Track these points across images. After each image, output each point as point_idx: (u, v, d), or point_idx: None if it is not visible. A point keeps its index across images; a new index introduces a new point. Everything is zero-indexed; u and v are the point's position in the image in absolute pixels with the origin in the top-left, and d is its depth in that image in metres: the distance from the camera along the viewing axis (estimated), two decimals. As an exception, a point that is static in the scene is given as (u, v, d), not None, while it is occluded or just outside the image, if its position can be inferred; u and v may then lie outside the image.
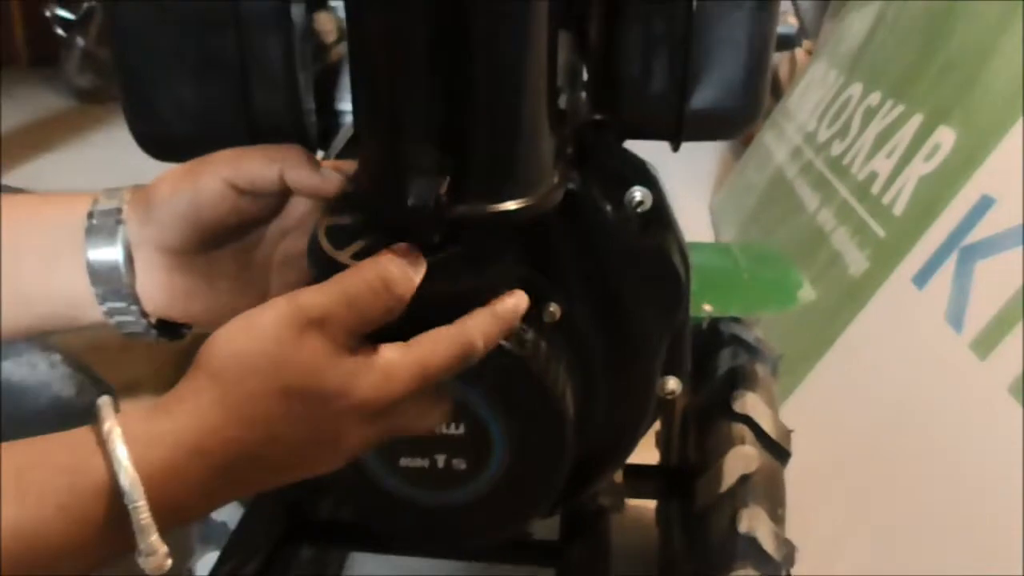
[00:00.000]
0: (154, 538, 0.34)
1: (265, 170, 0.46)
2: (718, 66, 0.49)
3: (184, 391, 0.37)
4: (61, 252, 0.46)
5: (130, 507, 0.34)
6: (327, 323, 0.38)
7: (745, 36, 0.49)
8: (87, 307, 0.47)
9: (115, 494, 0.34)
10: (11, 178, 2.52)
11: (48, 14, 3.41)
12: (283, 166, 0.46)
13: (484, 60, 0.40)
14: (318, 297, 0.38)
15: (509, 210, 0.42)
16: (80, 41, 3.34)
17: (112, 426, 0.35)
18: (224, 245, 0.49)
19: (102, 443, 0.34)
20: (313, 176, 0.46)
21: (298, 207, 0.50)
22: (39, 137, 2.99)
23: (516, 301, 0.45)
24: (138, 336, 0.49)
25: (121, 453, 0.34)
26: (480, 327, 0.42)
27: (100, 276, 0.46)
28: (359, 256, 0.42)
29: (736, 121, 0.52)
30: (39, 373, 0.69)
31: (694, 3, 0.47)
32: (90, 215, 0.47)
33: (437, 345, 0.41)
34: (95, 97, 3.33)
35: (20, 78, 3.64)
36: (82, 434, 0.35)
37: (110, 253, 0.46)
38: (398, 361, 0.40)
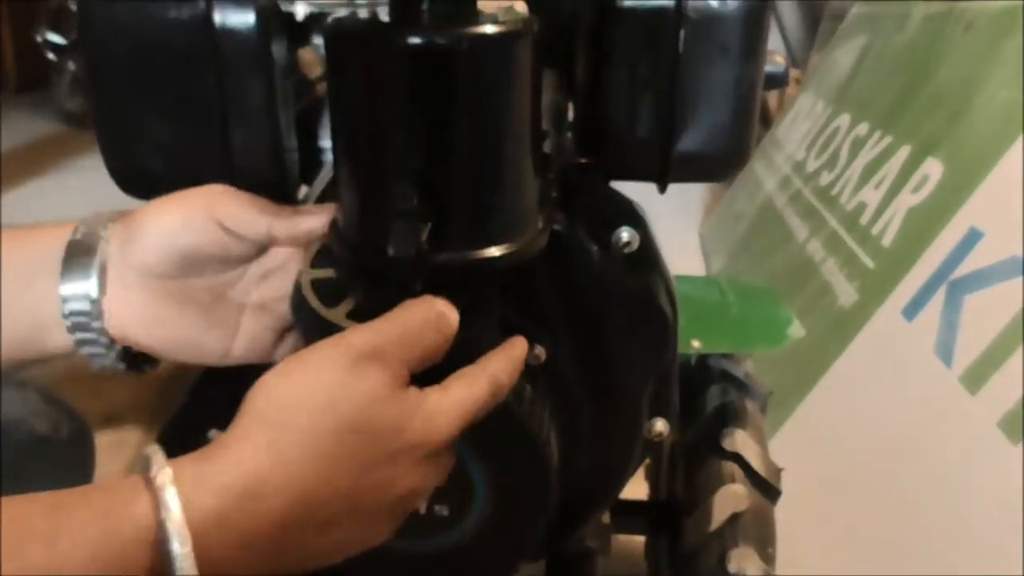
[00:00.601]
0: None
1: (254, 220, 0.46)
2: (705, 109, 0.49)
3: (231, 438, 0.36)
4: (38, 274, 0.46)
5: (175, 554, 0.31)
6: (380, 357, 0.37)
7: (732, 79, 0.48)
8: (55, 332, 0.46)
9: (158, 542, 0.32)
10: (2, 202, 2.50)
11: (39, 39, 3.41)
12: (273, 221, 0.46)
13: (466, 105, 0.39)
14: (368, 333, 0.38)
15: (493, 256, 0.42)
16: (71, 65, 3.33)
17: (162, 470, 0.33)
18: (201, 276, 0.48)
19: (151, 487, 0.33)
20: (300, 230, 0.46)
21: (279, 253, 0.50)
22: (30, 161, 2.98)
23: (520, 344, 0.45)
24: (104, 367, 0.48)
25: (170, 496, 0.32)
26: (503, 366, 0.42)
27: (72, 300, 0.45)
28: (354, 316, 0.41)
29: (723, 164, 0.52)
30: (13, 409, 0.68)
31: (680, 46, 0.47)
32: (72, 235, 0.47)
33: (472, 386, 0.41)
34: (86, 122, 3.31)
35: (10, 103, 3.64)
36: (125, 480, 0.33)
37: (84, 277, 0.45)
38: (443, 404, 0.39)
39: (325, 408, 0.36)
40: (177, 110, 0.53)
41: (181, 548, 0.31)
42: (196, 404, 0.59)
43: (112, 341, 0.46)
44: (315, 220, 0.46)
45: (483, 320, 0.45)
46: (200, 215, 0.46)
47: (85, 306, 0.45)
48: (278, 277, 0.50)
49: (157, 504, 0.32)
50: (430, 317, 0.39)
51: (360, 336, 0.38)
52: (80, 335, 0.46)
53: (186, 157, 0.54)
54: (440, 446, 0.40)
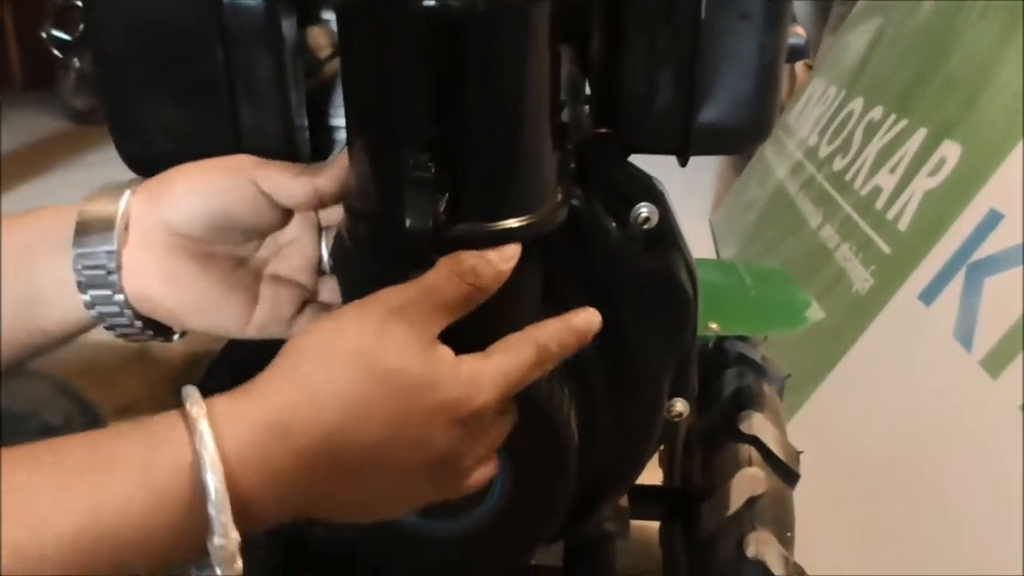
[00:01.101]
0: (228, 520, 0.33)
1: (296, 182, 0.45)
2: (726, 78, 0.48)
3: (264, 378, 0.37)
4: (36, 251, 0.45)
5: (208, 484, 0.32)
6: (407, 310, 0.38)
7: (754, 48, 0.47)
8: (55, 304, 0.45)
9: (193, 472, 0.33)
10: (8, 200, 2.51)
11: (44, 35, 3.40)
12: (315, 179, 0.45)
13: (483, 74, 0.38)
14: (396, 292, 0.39)
15: (510, 228, 0.41)
16: (76, 62, 3.33)
17: (196, 403, 0.34)
18: (227, 241, 0.47)
19: (186, 420, 0.34)
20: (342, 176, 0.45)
21: (292, 227, 0.49)
22: (36, 159, 2.98)
23: (589, 316, 0.45)
24: (121, 330, 0.47)
25: (204, 428, 0.33)
26: (554, 335, 0.42)
27: (88, 256, 0.44)
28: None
29: (746, 135, 0.50)
30: (24, 400, 0.67)
31: (702, 13, 0.46)
32: (87, 198, 0.45)
33: (517, 352, 0.41)
34: (91, 118, 3.32)
35: (16, 100, 3.64)
36: (161, 416, 0.35)
37: (104, 230, 0.44)
38: (481, 368, 0.39)
39: (357, 356, 0.36)
40: (186, 90, 0.52)
41: (214, 478, 0.33)
42: (209, 394, 0.58)
43: (127, 303, 0.45)
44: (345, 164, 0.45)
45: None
46: (238, 178, 0.45)
47: (102, 260, 0.43)
48: (293, 251, 0.49)
49: (192, 436, 0.33)
50: (457, 270, 0.39)
51: (389, 294, 0.38)
52: (94, 293, 0.44)
53: (196, 137, 0.53)
54: (480, 411, 0.39)
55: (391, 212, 0.39)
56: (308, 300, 0.50)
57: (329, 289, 0.50)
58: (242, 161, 0.46)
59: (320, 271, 0.51)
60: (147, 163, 0.55)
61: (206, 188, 0.45)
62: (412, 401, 0.37)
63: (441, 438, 0.39)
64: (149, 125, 0.53)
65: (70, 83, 3.44)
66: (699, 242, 2.18)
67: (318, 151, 0.61)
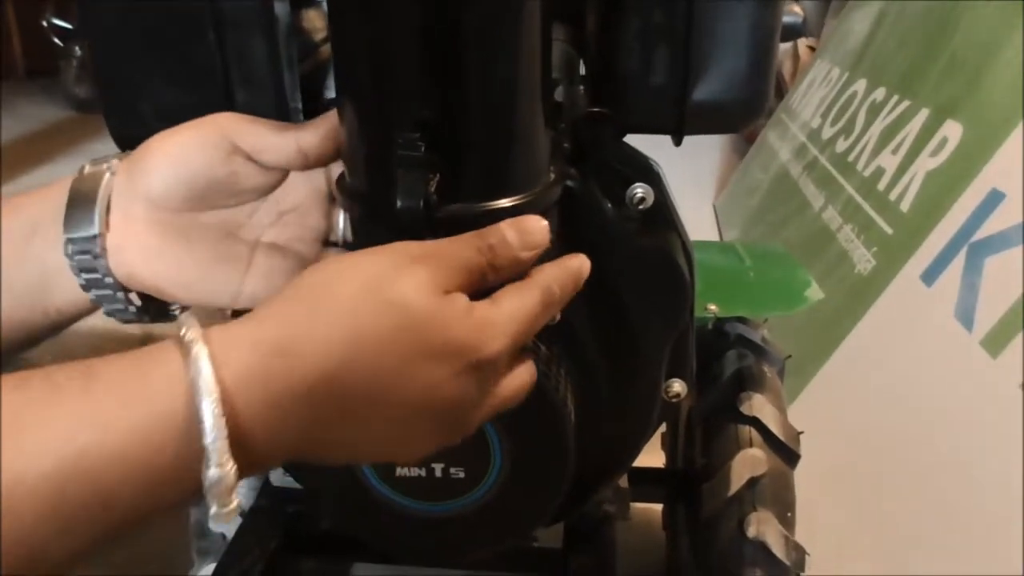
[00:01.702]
0: (225, 448, 0.30)
1: (279, 140, 0.43)
2: (721, 57, 0.47)
3: (268, 304, 0.34)
4: (40, 227, 0.44)
5: (203, 409, 0.30)
6: (426, 259, 0.36)
7: (749, 25, 0.47)
8: (62, 283, 0.44)
9: (188, 398, 0.30)
10: (10, 189, 2.51)
11: (45, 24, 3.40)
12: (299, 134, 0.43)
13: (474, 51, 0.38)
14: (422, 244, 0.37)
15: (502, 208, 0.40)
16: (77, 50, 3.33)
17: (192, 328, 0.32)
18: (210, 208, 0.45)
19: (181, 345, 0.31)
20: (328, 131, 0.43)
21: (293, 194, 0.48)
22: (38, 148, 2.98)
23: (581, 259, 0.43)
24: (119, 316, 0.46)
25: (199, 351, 0.31)
26: (556, 277, 0.41)
27: (77, 241, 0.43)
28: None
29: (741, 113, 0.50)
30: None
31: (695, -10, 0.46)
32: (76, 177, 0.44)
33: (523, 297, 0.39)
34: (94, 106, 3.32)
35: (18, 89, 3.64)
36: (157, 344, 0.32)
37: (88, 212, 0.43)
38: (493, 315, 0.37)
39: (371, 286, 0.34)
40: (180, 72, 0.52)
41: (210, 403, 0.30)
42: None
43: (118, 284, 0.44)
44: (335, 121, 0.44)
45: None
46: (213, 137, 0.43)
47: (87, 245, 0.42)
48: (294, 220, 0.48)
49: (186, 360, 0.31)
50: (478, 243, 0.38)
51: (409, 245, 0.37)
52: (87, 276, 0.43)
53: (190, 118, 0.53)
54: (493, 358, 0.37)
55: (382, 192, 0.39)
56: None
57: None
58: (219, 120, 0.44)
59: (329, 243, 0.49)
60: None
61: (179, 153, 0.43)
62: (425, 338, 0.35)
63: (452, 383, 0.36)
64: (143, 108, 0.52)
65: (72, 71, 3.44)
66: (703, 225, 2.17)
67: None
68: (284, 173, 0.46)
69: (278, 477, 0.73)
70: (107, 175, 0.44)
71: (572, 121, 0.51)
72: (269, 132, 0.43)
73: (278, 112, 0.54)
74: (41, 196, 0.45)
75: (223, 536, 0.79)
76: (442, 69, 0.38)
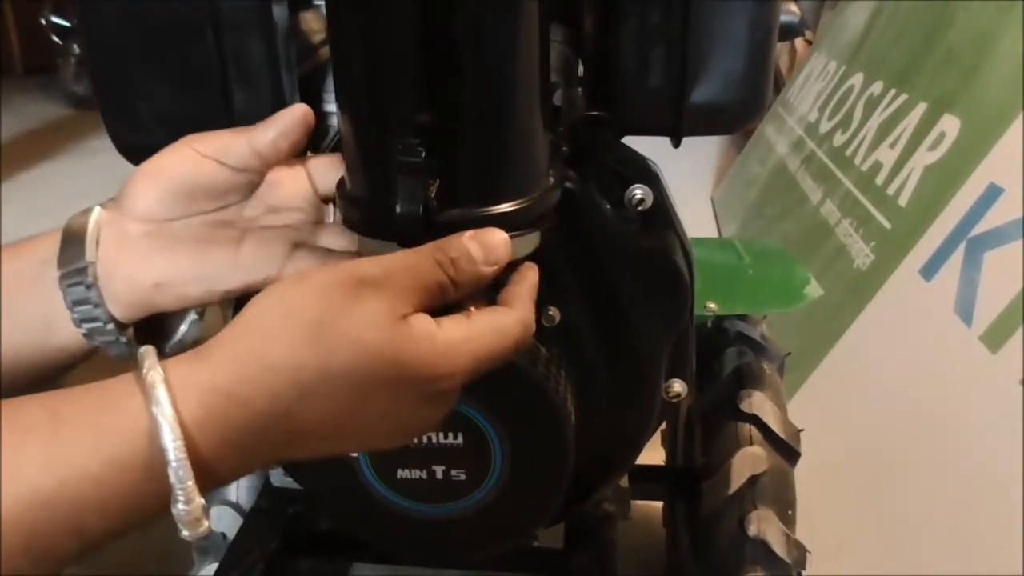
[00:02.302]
0: (191, 485, 0.32)
1: (235, 141, 0.45)
2: (718, 58, 0.47)
3: (223, 338, 0.35)
4: (41, 271, 0.45)
5: (167, 446, 0.32)
6: (382, 283, 0.36)
7: (746, 26, 0.47)
8: (63, 322, 0.45)
9: (151, 436, 0.32)
10: (10, 186, 2.51)
11: (43, 21, 3.40)
12: (251, 134, 0.45)
13: (472, 58, 0.38)
14: (376, 263, 0.37)
15: (502, 213, 0.40)
16: (76, 48, 3.32)
17: (153, 367, 0.33)
18: (198, 212, 0.46)
19: (141, 384, 0.33)
20: (273, 134, 0.45)
21: (280, 189, 0.48)
22: (37, 145, 2.98)
23: (534, 271, 0.43)
24: (112, 348, 0.46)
25: (161, 393, 0.32)
26: (528, 296, 0.41)
27: (71, 275, 0.44)
28: None
29: (739, 115, 0.50)
30: None
31: (692, -8, 0.46)
32: (69, 219, 0.45)
33: (494, 319, 0.39)
34: (92, 104, 3.30)
35: (16, 86, 3.64)
36: (119, 379, 0.34)
37: (79, 244, 0.44)
38: (455, 336, 0.37)
39: (318, 326, 0.34)
40: (178, 76, 0.52)
41: (174, 444, 0.32)
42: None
43: (109, 315, 0.45)
44: (289, 118, 0.45)
45: None
46: (184, 150, 0.45)
47: (78, 278, 0.44)
48: (283, 211, 0.48)
49: (148, 402, 0.32)
50: (439, 257, 0.37)
51: (366, 264, 0.37)
52: (79, 309, 0.44)
53: (189, 123, 0.52)
54: (454, 385, 0.38)
55: (382, 197, 0.39)
56: (302, 244, 0.48)
57: (330, 235, 0.49)
58: (187, 137, 0.46)
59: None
60: (142, 152, 0.54)
61: (155, 169, 0.45)
62: (380, 371, 0.35)
63: (412, 409, 0.37)
64: (143, 113, 0.52)
65: (70, 69, 3.44)
66: (701, 219, 2.17)
67: (313, 137, 0.61)
68: (258, 174, 0.47)
69: (278, 478, 0.74)
70: (96, 210, 0.45)
71: (571, 123, 0.51)
72: (228, 135, 0.45)
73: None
74: (52, 236, 0.46)
75: (223, 536, 0.79)
76: (441, 76, 0.38)
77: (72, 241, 0.44)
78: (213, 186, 0.45)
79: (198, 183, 0.45)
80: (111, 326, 0.45)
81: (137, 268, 0.45)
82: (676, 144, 0.51)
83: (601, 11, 0.49)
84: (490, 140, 0.40)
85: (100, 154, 2.81)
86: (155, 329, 0.48)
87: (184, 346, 0.48)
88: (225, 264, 0.45)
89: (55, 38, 3.41)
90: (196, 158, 0.45)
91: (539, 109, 0.41)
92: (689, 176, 2.42)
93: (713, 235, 2.09)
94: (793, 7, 0.57)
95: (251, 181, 0.47)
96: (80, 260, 0.44)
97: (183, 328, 0.49)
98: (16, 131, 3.09)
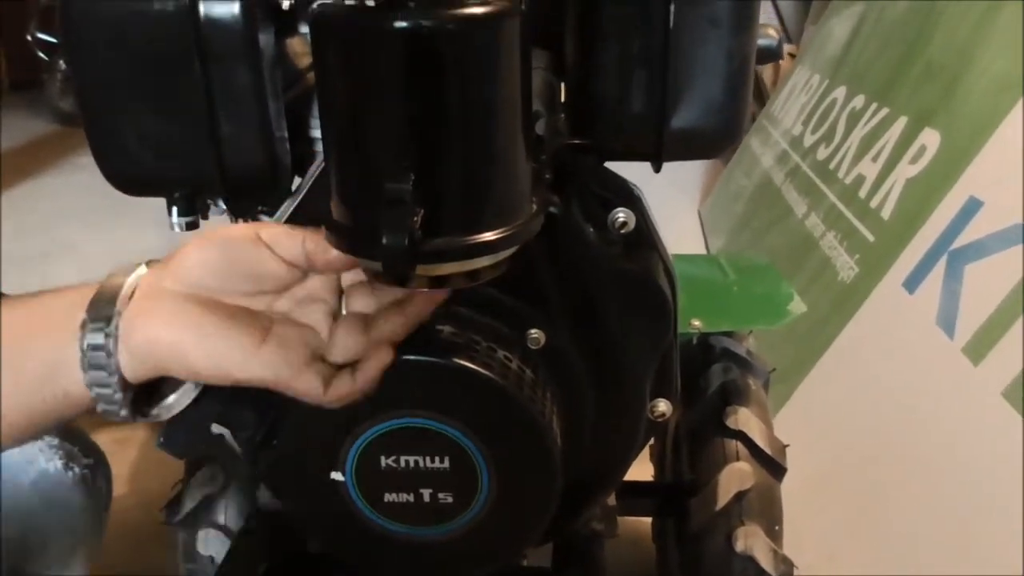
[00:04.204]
0: None
1: (291, 236, 0.45)
2: (697, 85, 0.48)
3: None
4: (57, 323, 0.45)
5: None
6: None
7: (724, 53, 0.48)
8: (72, 370, 0.44)
9: None
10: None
11: (30, 38, 3.39)
12: (307, 235, 0.45)
13: (455, 89, 0.39)
14: None
15: (486, 242, 0.41)
16: (63, 64, 3.32)
17: None
18: (235, 291, 0.46)
19: None
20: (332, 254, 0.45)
21: (310, 283, 0.48)
22: (24, 161, 2.97)
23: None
24: (114, 415, 0.46)
25: None
26: None
27: (93, 330, 0.44)
28: None
29: (717, 140, 0.51)
30: (23, 448, 0.65)
31: (671, 21, 0.46)
32: (110, 273, 0.46)
33: None
34: (79, 120, 3.30)
35: (3, 103, 3.62)
36: None
37: (110, 301, 0.44)
38: None
39: None
40: (165, 104, 0.52)
41: None
42: (199, 401, 0.58)
43: (122, 383, 0.44)
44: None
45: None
46: (241, 228, 0.46)
47: (101, 340, 0.44)
48: (315, 307, 0.48)
49: None
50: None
51: None
52: (92, 374, 0.44)
53: (176, 151, 0.53)
54: None
55: (368, 228, 0.39)
56: (319, 357, 0.48)
57: (355, 297, 0.48)
58: (250, 224, 0.47)
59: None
60: (129, 180, 0.55)
61: (213, 240, 0.45)
62: None
63: None
64: (129, 142, 0.53)
65: (57, 85, 3.43)
66: (688, 232, 2.18)
67: (299, 161, 0.61)
68: (302, 273, 0.47)
69: (267, 500, 0.74)
70: (141, 267, 0.46)
71: (554, 149, 0.52)
72: (285, 229, 0.46)
73: (263, 142, 0.54)
74: (68, 291, 0.46)
75: (212, 560, 0.79)
76: (424, 108, 0.39)
77: (107, 290, 0.44)
78: (258, 270, 0.46)
79: (247, 261, 0.45)
80: (115, 378, 0.44)
81: (161, 324, 0.44)
82: (657, 169, 0.52)
83: (583, 39, 0.50)
84: (474, 172, 0.40)
85: (87, 171, 2.79)
86: (148, 389, 0.48)
87: (170, 413, 0.48)
88: (245, 352, 0.45)
89: (42, 54, 3.40)
90: (251, 238, 0.45)
91: (522, 140, 0.41)
92: (676, 189, 2.43)
93: (700, 247, 2.10)
94: (772, 31, 0.58)
95: (293, 276, 0.47)
96: (109, 309, 0.44)
97: (173, 396, 0.48)
98: (2, 148, 3.07)
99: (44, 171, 2.87)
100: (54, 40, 3.43)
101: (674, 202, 2.35)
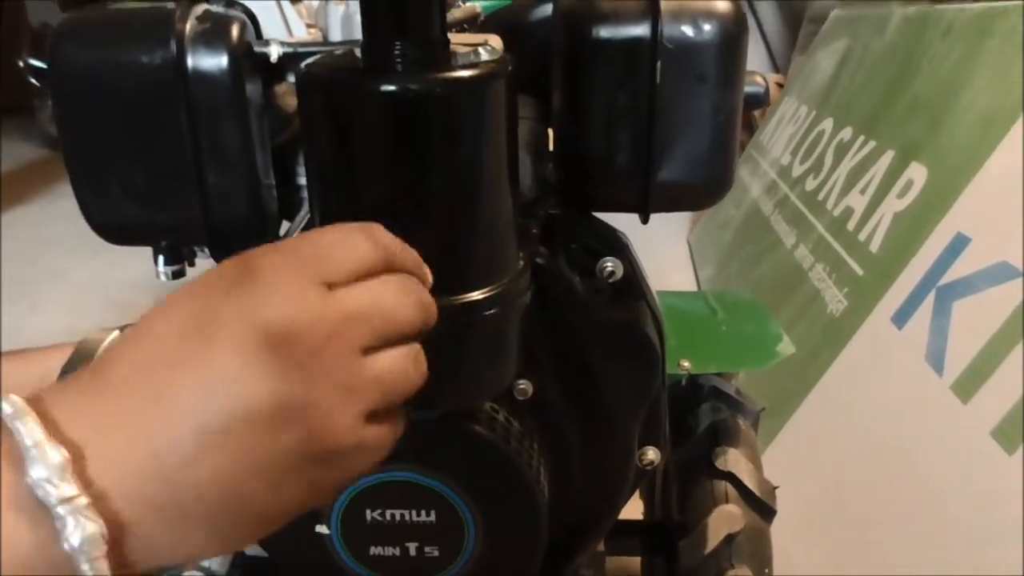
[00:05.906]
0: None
1: None
2: (684, 139, 0.49)
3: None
4: (42, 379, 0.44)
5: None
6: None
7: (710, 108, 0.48)
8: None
9: None
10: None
11: (20, 63, 3.39)
12: None
13: (442, 151, 0.39)
14: None
15: (473, 301, 0.41)
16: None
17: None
18: None
19: None
20: None
21: None
22: (13, 187, 2.96)
23: None
24: None
25: None
26: None
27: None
28: None
29: (705, 193, 0.51)
30: None
31: (657, 76, 0.47)
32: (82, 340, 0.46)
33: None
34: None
35: (-3, 127, 3.62)
36: None
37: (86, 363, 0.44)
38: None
39: None
40: (151, 155, 0.52)
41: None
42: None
43: None
44: None
45: None
46: None
47: None
48: None
49: None
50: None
51: None
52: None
53: (163, 201, 0.53)
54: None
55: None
56: None
57: None
58: None
59: None
60: (115, 230, 0.55)
61: None
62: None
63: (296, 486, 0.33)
64: (115, 191, 0.53)
65: (48, 110, 3.42)
66: (677, 262, 2.19)
67: (287, 207, 0.61)
68: None
69: (252, 549, 0.73)
70: (115, 332, 0.46)
71: (541, 200, 0.52)
72: None
73: (250, 191, 0.54)
74: (61, 350, 0.46)
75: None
76: (411, 170, 0.39)
77: (82, 352, 0.44)
78: None
79: None
80: None
81: None
82: (644, 221, 0.52)
83: (569, 92, 0.50)
84: (460, 233, 0.40)
85: (73, 198, 2.79)
86: None
87: None
88: None
89: (32, 80, 3.40)
90: None
91: (508, 200, 0.42)
92: (666, 218, 2.43)
93: (690, 276, 2.10)
94: (759, 78, 0.58)
95: None
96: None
97: None
98: None
99: (33, 197, 2.86)
100: (45, 66, 3.42)
101: (663, 230, 2.35)
